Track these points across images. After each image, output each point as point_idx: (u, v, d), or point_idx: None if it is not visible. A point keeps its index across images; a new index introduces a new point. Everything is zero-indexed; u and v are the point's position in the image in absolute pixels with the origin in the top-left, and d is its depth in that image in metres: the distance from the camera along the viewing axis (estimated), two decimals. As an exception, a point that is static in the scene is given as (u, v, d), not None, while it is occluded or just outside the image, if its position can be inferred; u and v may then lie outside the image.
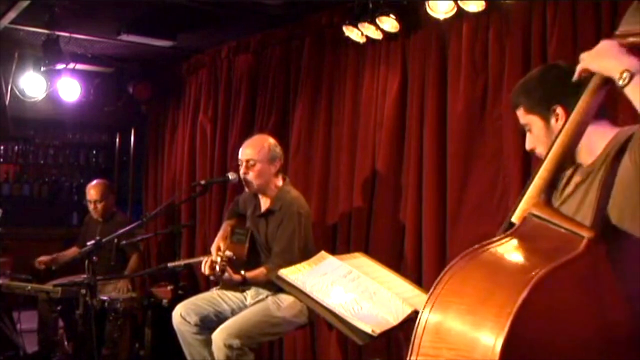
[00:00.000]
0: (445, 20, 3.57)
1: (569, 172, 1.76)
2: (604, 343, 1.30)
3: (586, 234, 1.31)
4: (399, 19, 3.76)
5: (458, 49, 3.60)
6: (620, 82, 1.42)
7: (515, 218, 1.46)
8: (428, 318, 1.27)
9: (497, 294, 1.21)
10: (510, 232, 1.39)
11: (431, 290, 1.30)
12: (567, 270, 1.25)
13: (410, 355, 1.28)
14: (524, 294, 1.17)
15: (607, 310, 1.33)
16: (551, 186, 1.61)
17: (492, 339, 1.16)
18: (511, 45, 3.36)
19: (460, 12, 3.47)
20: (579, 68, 1.58)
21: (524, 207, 1.46)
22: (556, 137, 1.55)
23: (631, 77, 1.41)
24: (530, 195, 1.48)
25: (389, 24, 3.81)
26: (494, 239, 1.37)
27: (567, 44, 3.10)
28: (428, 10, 3.54)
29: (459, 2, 3.42)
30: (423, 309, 1.29)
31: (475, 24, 3.53)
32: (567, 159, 1.57)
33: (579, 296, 1.29)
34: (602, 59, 1.51)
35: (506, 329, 1.15)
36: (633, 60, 1.45)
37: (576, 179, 1.73)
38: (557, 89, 1.77)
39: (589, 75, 1.55)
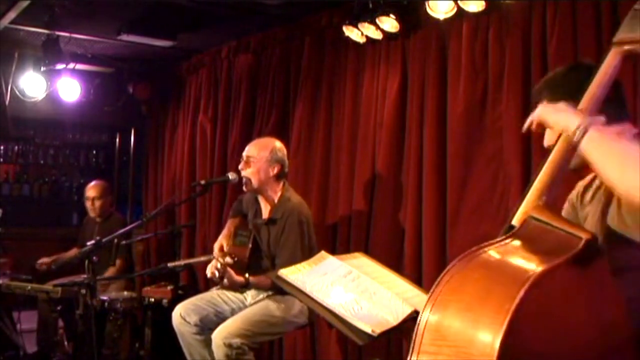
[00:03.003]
0: (445, 20, 3.57)
1: (589, 178, 1.76)
2: (601, 343, 1.32)
3: (584, 235, 1.32)
4: (399, 19, 3.76)
5: (458, 49, 3.60)
6: (575, 138, 1.44)
7: (515, 221, 1.46)
8: (428, 317, 1.28)
9: (495, 292, 1.23)
10: (509, 234, 1.40)
11: (431, 291, 1.31)
12: (564, 270, 1.27)
13: (411, 355, 1.29)
14: (522, 291, 1.18)
15: (605, 311, 1.35)
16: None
17: (490, 336, 1.18)
18: (511, 45, 3.36)
19: (460, 12, 3.48)
20: (529, 119, 1.61)
21: (524, 210, 1.46)
22: (554, 144, 1.55)
23: (584, 133, 1.42)
24: (530, 199, 1.48)
25: (389, 24, 3.81)
26: (494, 240, 1.38)
27: (567, 44, 3.09)
28: (428, 10, 3.54)
29: (459, 2, 3.43)
30: (424, 309, 1.30)
31: (475, 24, 3.53)
32: (565, 165, 1.56)
33: (576, 296, 1.30)
34: (557, 114, 1.53)
35: (504, 325, 1.16)
36: (586, 117, 1.46)
37: (597, 182, 1.73)
38: (583, 85, 1.76)
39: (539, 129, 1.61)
